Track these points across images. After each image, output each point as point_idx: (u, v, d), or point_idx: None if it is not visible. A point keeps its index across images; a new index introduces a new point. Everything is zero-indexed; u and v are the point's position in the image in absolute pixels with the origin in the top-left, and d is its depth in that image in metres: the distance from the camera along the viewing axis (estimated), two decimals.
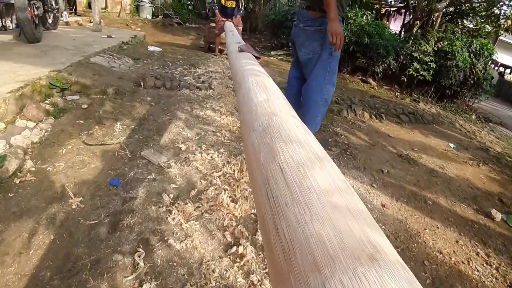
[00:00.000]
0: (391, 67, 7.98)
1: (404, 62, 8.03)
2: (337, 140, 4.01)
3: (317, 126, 3.15)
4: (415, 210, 2.94)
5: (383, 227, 2.60)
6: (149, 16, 11.97)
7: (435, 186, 3.48)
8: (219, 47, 7.73)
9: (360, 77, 8.28)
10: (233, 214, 2.16)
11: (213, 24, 7.74)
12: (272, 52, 8.92)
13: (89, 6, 12.04)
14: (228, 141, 3.18)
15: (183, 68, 5.17)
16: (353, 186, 3.07)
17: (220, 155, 2.88)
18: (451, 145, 4.88)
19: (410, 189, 3.28)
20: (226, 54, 8.54)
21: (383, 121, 5.10)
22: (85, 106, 3.35)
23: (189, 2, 14.37)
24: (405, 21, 11.02)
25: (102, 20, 10.52)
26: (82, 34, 6.46)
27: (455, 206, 3.17)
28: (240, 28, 7.47)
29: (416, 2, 9.46)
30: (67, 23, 8.52)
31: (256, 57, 2.14)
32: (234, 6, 7.12)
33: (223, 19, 7.28)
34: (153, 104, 3.74)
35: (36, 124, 2.97)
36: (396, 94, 7.95)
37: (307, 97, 2.80)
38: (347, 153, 3.71)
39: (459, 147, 4.89)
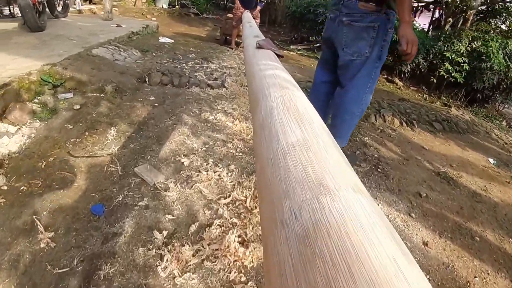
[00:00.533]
0: (420, 66, 7.28)
1: (434, 61, 7.32)
2: (365, 152, 3.43)
3: (348, 139, 2.63)
4: (461, 249, 2.36)
5: (428, 276, 2.05)
6: (165, 6, 11.45)
7: (480, 216, 2.88)
8: (236, 39, 7.17)
9: (386, 76, 7.61)
10: (243, 263, 1.64)
11: (230, 15, 7.17)
12: (291, 46, 8.30)
13: None
14: (241, 153, 2.65)
15: (195, 62, 4.64)
16: (389, 216, 2.51)
17: (229, 173, 2.35)
18: (491, 160, 4.24)
19: (453, 220, 2.70)
20: (243, 47, 7.99)
21: (415, 129, 4.48)
22: (78, 106, 2.86)
23: None
24: (434, 18, 10.23)
25: (117, 9, 10.08)
26: (91, 23, 5.99)
27: (504, 242, 2.58)
28: (258, 20, 6.89)
29: None
30: (80, 11, 8.10)
31: (279, 56, 1.59)
32: None
33: (241, 9, 6.71)
34: (156, 104, 3.23)
35: (19, 129, 2.50)
36: (425, 96, 7.26)
37: (343, 108, 2.27)
38: (378, 170, 3.14)
39: (499, 162, 4.24)
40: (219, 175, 2.30)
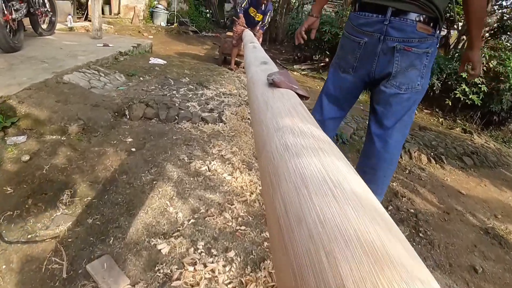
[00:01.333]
0: (434, 87, 6.58)
1: (449, 82, 6.63)
2: (398, 206, 2.67)
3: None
4: None
5: None
6: (163, 24, 10.82)
7: None
8: (236, 58, 6.47)
9: None
10: None
11: (230, 33, 6.49)
12: (295, 66, 7.62)
13: (102, 11, 11.00)
14: (243, 227, 1.88)
15: (188, 88, 3.90)
16: None
17: (227, 266, 1.58)
18: None
19: None
20: (243, 68, 7.32)
21: (445, 167, 3.72)
22: (27, 157, 2.10)
23: (207, 10, 13.21)
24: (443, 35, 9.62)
25: (112, 27, 9.44)
26: (77, 41, 5.28)
27: None
28: (260, 40, 6.21)
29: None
30: (71, 29, 7.41)
31: (302, 97, 0.93)
32: (259, 19, 5.87)
33: (244, 27, 6.02)
34: (133, 150, 2.46)
35: None
36: (440, 119, 6.54)
37: (386, 157, 1.69)
38: (420, 234, 2.37)
39: None
40: (211, 271, 1.53)
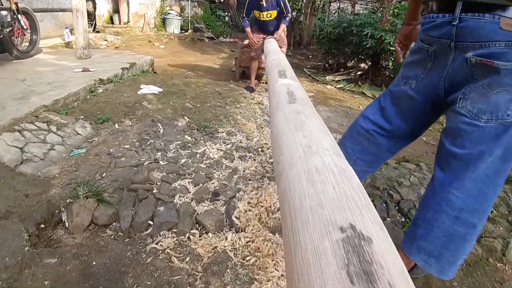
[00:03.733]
0: None
1: None
2: None
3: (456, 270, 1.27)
4: None
5: None
6: (176, 31, 9.45)
7: None
8: (258, 71, 4.99)
9: None
10: None
11: (247, 42, 5.02)
12: (327, 78, 6.02)
13: (111, 20, 9.78)
14: None
15: (183, 142, 2.43)
16: None
17: None
18: None
19: None
20: (266, 83, 5.81)
21: None
22: None
23: (225, 14, 11.74)
24: None
25: (119, 38, 8.14)
26: (52, 67, 3.96)
27: None
28: (284, 49, 4.69)
29: None
30: (68, 44, 6.15)
31: None
32: (273, 17, 4.34)
33: (261, 35, 4.52)
34: None
35: None
36: None
37: (450, 212, 1.16)
38: None
39: None
40: None
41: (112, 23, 9.63)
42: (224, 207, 1.76)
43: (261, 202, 1.81)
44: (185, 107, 3.18)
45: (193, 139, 2.49)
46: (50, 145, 2.19)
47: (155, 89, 3.49)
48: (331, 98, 5.02)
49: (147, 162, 2.09)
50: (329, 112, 4.42)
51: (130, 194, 1.78)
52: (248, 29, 4.39)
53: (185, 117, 2.94)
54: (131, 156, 2.15)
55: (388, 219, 2.06)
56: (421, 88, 1.30)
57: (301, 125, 0.95)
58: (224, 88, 4.14)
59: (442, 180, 1.22)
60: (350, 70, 6.50)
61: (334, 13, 9.74)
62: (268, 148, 2.47)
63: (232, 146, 2.45)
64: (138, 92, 3.37)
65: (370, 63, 6.24)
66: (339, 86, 5.70)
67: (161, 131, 2.59)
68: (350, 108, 4.72)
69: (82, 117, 2.65)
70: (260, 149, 2.48)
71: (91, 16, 9.76)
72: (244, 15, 4.32)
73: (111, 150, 2.21)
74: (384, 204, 2.15)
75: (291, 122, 1.00)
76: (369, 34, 5.05)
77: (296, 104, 1.17)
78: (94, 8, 9.49)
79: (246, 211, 1.74)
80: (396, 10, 5.04)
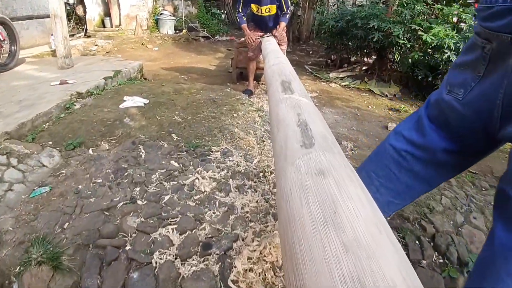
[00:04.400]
0: None
1: None
2: None
3: None
4: None
5: None
6: (170, 31, 8.98)
7: None
8: (257, 72, 4.54)
9: None
10: None
11: (243, 40, 4.55)
12: (331, 75, 5.54)
13: (103, 23, 9.31)
14: None
15: (168, 170, 1.98)
16: None
17: None
18: None
19: None
20: (265, 85, 5.34)
21: None
22: None
23: (220, 11, 11.21)
24: None
25: (110, 42, 7.67)
26: (28, 80, 3.53)
27: None
28: (285, 47, 4.23)
29: None
30: (54, 52, 5.70)
31: None
32: (273, 12, 3.88)
33: (258, 33, 4.07)
34: None
35: None
36: None
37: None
38: None
39: None
40: None
41: (104, 26, 9.17)
42: (218, 266, 1.33)
43: (265, 256, 1.37)
44: (173, 121, 2.73)
45: (181, 165, 2.05)
46: (8, 184, 1.76)
47: (140, 101, 3.05)
48: (337, 98, 4.55)
49: (122, 203, 1.65)
50: (336, 115, 3.97)
51: (95, 255, 1.35)
52: (245, 26, 3.92)
53: (173, 134, 2.49)
54: (102, 194, 1.72)
55: (423, 261, 1.62)
56: (472, 101, 0.89)
57: (332, 210, 0.50)
58: (220, 94, 3.69)
59: (506, 243, 0.83)
60: (354, 66, 6.01)
61: (334, 6, 9.22)
62: (271, 173, 2.02)
63: (227, 172, 2.01)
64: (121, 106, 2.93)
65: (375, 57, 5.75)
66: (344, 83, 5.22)
67: (143, 155, 2.15)
68: (358, 108, 4.26)
69: (50, 143, 2.21)
70: (261, 174, 2.04)
71: (82, 21, 9.32)
72: (240, 10, 3.85)
73: (80, 187, 1.77)
74: (417, 242, 1.71)
75: (313, 200, 0.54)
76: (375, 27, 4.56)
77: (316, 151, 0.72)
78: (85, 12, 9.03)
79: (246, 271, 1.30)
80: (404, 0, 4.54)
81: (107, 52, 7.43)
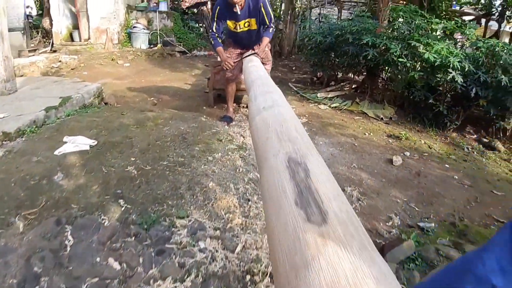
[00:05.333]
0: None
1: None
2: None
3: None
4: None
5: None
6: (144, 46, 8.14)
7: None
8: (237, 93, 3.80)
9: (476, 136, 4.17)
10: None
11: (219, 59, 3.80)
12: (319, 95, 4.88)
13: (71, 37, 8.36)
14: None
15: (105, 276, 1.23)
16: None
17: None
18: None
19: None
20: (247, 106, 4.60)
21: None
22: None
23: (198, 25, 10.49)
24: (486, 32, 6.92)
25: (76, 57, 6.76)
26: None
27: None
28: (269, 66, 3.54)
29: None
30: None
31: None
32: (253, 27, 3.17)
33: (237, 51, 3.36)
34: None
35: None
36: None
37: None
38: None
39: None
40: None
41: (72, 40, 8.24)
42: None
43: None
44: (125, 175, 1.94)
45: (123, 267, 1.27)
46: None
47: (85, 143, 2.24)
48: (329, 124, 3.88)
49: None
50: (332, 146, 3.28)
51: None
52: (220, 49, 3.18)
53: (121, 200, 1.71)
54: None
55: None
56: None
57: None
58: (192, 126, 2.93)
59: None
60: (343, 84, 5.40)
61: (315, 19, 8.69)
62: (263, 275, 1.28)
63: (196, 277, 1.24)
64: (56, 152, 2.11)
65: (364, 74, 5.17)
66: (334, 105, 4.57)
67: (69, 247, 1.36)
68: (355, 136, 3.60)
69: None
70: (248, 277, 1.28)
71: (49, 34, 8.35)
72: (213, 29, 3.11)
73: None
74: None
75: None
76: (369, 43, 3.95)
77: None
78: (51, 24, 8.08)
79: None
80: (401, 13, 3.95)
81: (72, 69, 6.52)
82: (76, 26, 8.29)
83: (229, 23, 3.08)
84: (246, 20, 3.06)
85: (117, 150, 2.26)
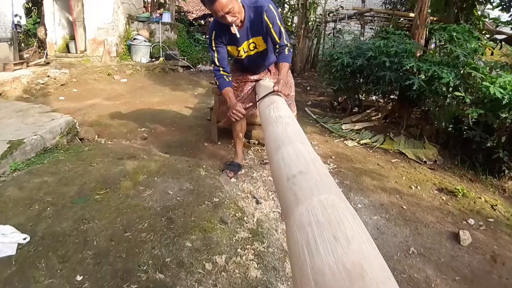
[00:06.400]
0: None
1: None
2: None
3: None
4: None
5: None
6: (144, 60, 7.29)
7: None
8: (248, 127, 2.83)
9: (480, 174, 3.20)
10: None
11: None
12: (344, 127, 3.96)
13: (67, 48, 7.54)
14: None
15: None
16: None
17: None
18: None
19: None
20: (258, 142, 3.59)
21: None
22: None
23: (205, 37, 9.62)
24: None
25: (67, 71, 5.88)
26: None
27: None
28: (294, 108, 2.60)
29: None
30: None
31: None
32: (262, 48, 2.20)
33: (248, 78, 2.43)
34: None
35: None
36: None
37: None
38: None
39: None
40: None
41: (69, 51, 7.42)
42: None
43: None
44: None
45: None
46: None
47: (11, 241, 1.33)
48: (364, 172, 2.93)
49: None
50: (375, 212, 2.34)
51: None
52: (228, 92, 2.20)
53: None
54: None
55: None
56: None
57: None
58: (186, 189, 2.01)
59: None
60: (368, 111, 4.48)
61: (329, 34, 7.81)
62: None
63: None
64: None
65: (392, 99, 4.24)
66: (363, 141, 3.64)
67: None
68: (400, 192, 2.66)
69: None
70: None
71: (43, 44, 7.55)
72: (216, 63, 2.15)
73: None
74: None
75: None
76: (413, 69, 3.03)
77: None
78: (46, 34, 7.29)
79: None
80: (454, 34, 3.03)
81: (61, 85, 5.68)
82: (73, 37, 7.49)
83: (230, 50, 2.15)
84: (250, 42, 2.12)
85: (59, 254, 1.34)
